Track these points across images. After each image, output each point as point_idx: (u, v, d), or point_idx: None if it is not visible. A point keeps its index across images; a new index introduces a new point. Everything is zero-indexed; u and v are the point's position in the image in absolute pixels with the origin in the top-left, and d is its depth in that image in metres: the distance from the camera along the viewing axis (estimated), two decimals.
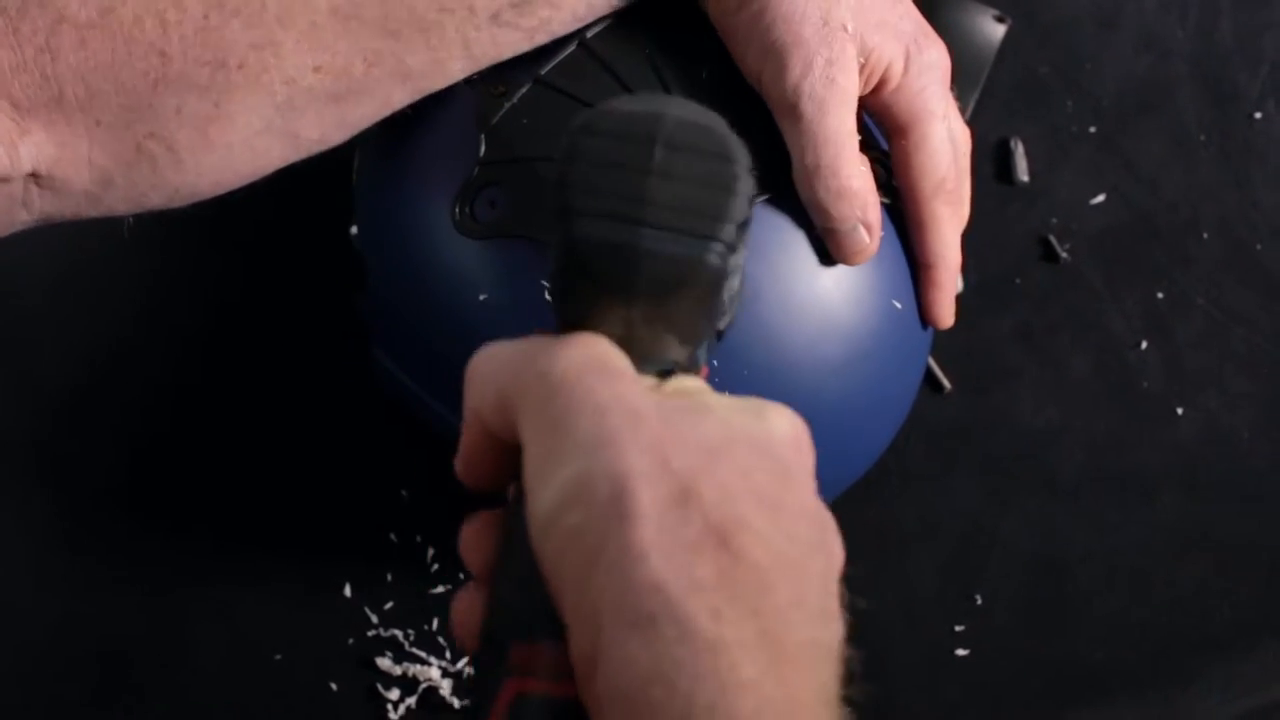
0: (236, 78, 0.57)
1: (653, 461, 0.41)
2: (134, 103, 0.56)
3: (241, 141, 0.58)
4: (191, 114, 0.57)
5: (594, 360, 0.43)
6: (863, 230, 0.62)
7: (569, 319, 0.46)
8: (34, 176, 0.56)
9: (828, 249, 0.63)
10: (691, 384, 0.46)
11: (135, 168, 0.58)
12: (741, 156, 0.45)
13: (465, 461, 0.47)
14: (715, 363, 0.61)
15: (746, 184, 0.45)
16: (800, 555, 0.42)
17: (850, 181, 0.62)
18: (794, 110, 0.61)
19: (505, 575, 0.45)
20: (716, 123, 0.45)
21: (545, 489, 0.42)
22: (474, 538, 0.47)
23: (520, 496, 0.44)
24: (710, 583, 0.39)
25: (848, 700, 0.41)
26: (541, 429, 0.43)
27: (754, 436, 0.43)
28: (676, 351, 0.46)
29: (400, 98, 0.61)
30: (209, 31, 0.56)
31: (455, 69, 0.61)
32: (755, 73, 0.63)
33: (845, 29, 0.62)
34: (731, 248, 0.45)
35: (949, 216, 0.66)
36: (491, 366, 0.45)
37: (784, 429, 0.45)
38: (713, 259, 0.44)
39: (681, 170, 0.44)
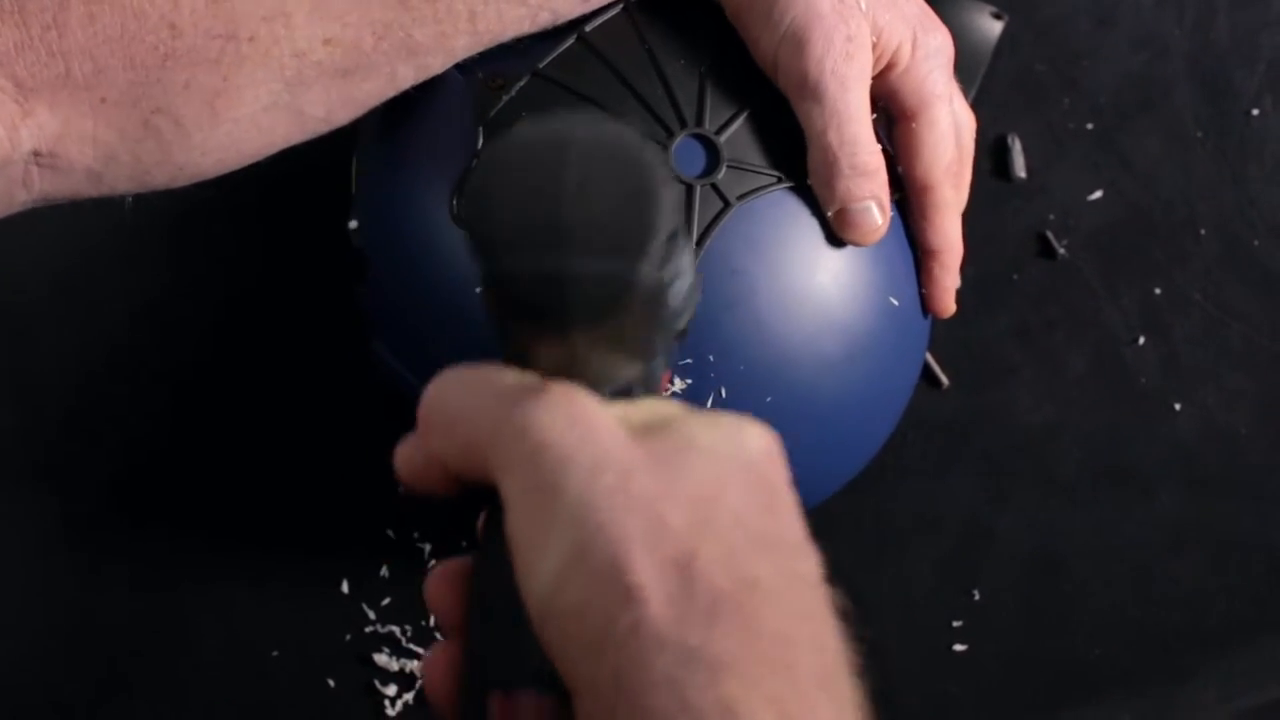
0: (247, 50, 0.56)
1: (648, 523, 0.38)
2: (142, 78, 0.55)
3: (248, 117, 0.58)
4: (200, 88, 0.56)
5: (575, 415, 0.41)
6: (875, 209, 0.63)
7: (513, 353, 0.44)
8: (35, 155, 0.56)
9: (837, 231, 0.63)
10: (665, 409, 0.43)
11: (141, 144, 0.57)
12: (660, 165, 0.42)
13: (412, 479, 0.44)
14: (713, 357, 0.61)
15: (670, 192, 0.42)
16: (810, 601, 0.40)
17: (871, 158, 0.62)
18: (817, 87, 0.61)
19: (479, 624, 0.43)
20: (628, 135, 0.43)
21: (541, 560, 0.39)
22: (440, 588, 0.45)
23: (494, 538, 0.42)
24: (726, 665, 0.37)
25: None
26: (528, 491, 0.40)
27: (739, 465, 0.41)
28: (629, 370, 0.44)
29: (405, 75, 0.61)
30: (220, 3, 0.55)
31: (460, 45, 0.60)
32: (770, 55, 0.63)
33: (860, 7, 0.62)
34: (665, 259, 0.43)
35: (954, 200, 0.66)
36: (455, 410, 0.43)
37: (760, 445, 0.42)
38: (645, 274, 0.42)
39: (599, 190, 0.41)
